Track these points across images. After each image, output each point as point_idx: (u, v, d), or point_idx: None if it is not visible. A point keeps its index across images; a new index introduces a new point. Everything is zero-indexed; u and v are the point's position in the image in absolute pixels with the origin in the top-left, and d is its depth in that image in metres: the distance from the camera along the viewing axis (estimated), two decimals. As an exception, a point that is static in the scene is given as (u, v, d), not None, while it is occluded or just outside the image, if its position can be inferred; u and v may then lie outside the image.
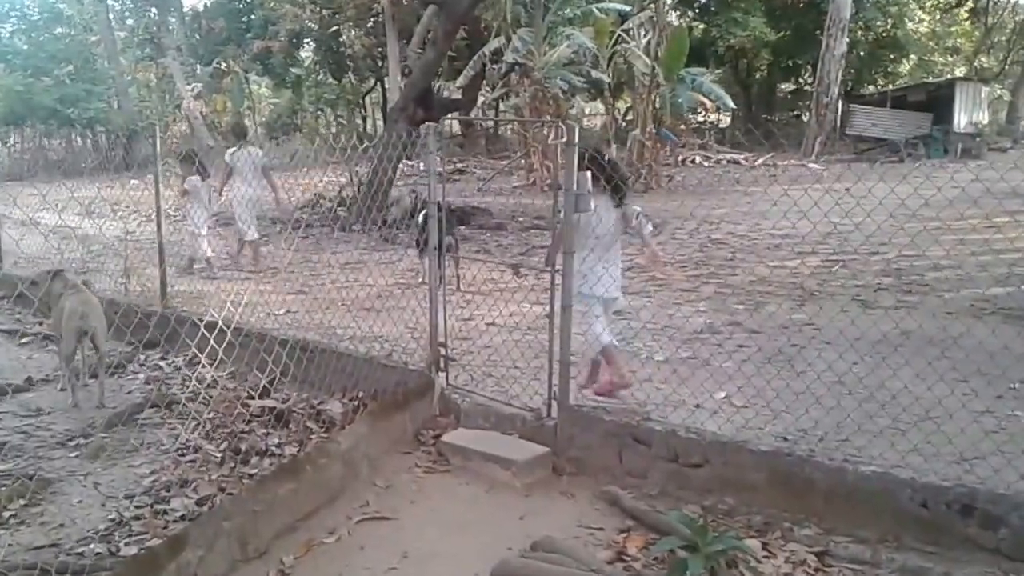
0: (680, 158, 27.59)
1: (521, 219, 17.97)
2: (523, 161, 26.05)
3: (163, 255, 9.36)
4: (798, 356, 7.36)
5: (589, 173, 5.68)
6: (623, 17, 26.73)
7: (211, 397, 6.56)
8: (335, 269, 12.21)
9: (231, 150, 13.09)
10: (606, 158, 6.14)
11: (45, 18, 38.33)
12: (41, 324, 9.00)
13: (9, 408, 6.78)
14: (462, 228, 15.53)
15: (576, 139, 5.46)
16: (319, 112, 46.58)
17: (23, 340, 8.89)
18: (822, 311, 8.58)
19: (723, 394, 6.34)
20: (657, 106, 23.42)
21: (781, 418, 5.73)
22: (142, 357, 8.18)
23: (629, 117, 28.61)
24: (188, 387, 7.15)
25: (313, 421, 6.20)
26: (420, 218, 9.97)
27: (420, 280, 10.81)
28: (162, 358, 8.18)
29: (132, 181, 15.15)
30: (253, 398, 6.62)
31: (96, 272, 11.01)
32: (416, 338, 7.27)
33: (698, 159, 31.90)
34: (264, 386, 6.79)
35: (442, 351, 6.51)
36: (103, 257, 12.92)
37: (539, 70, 22.88)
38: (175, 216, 13.91)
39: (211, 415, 6.23)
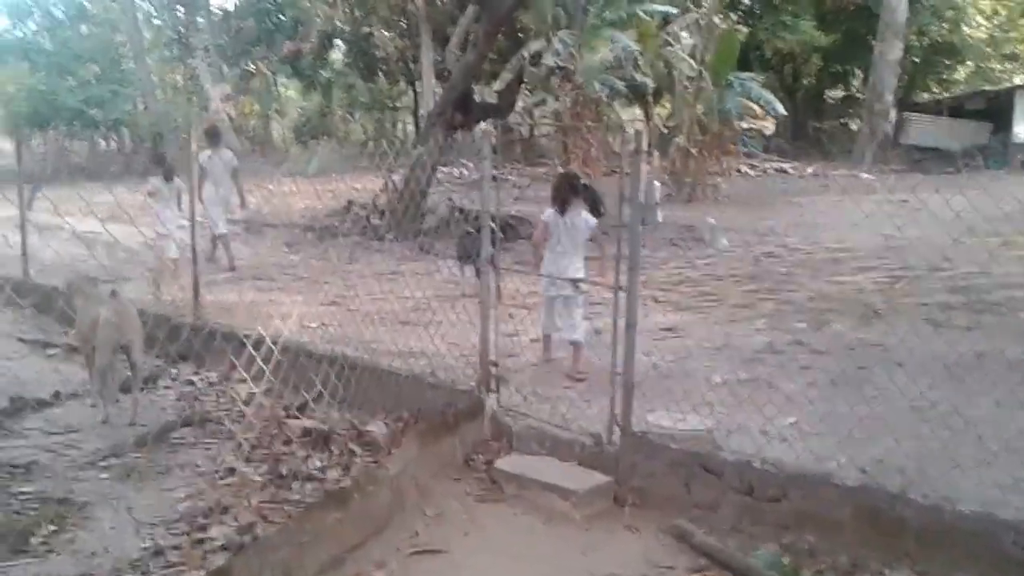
0: (725, 167, 27.27)
1: (562, 229, 17.75)
2: (562, 168, 25.79)
3: (196, 263, 9.27)
4: (867, 379, 7.12)
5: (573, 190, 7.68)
6: (666, 19, 26.49)
7: (248, 416, 6.41)
8: (369, 280, 12.07)
9: (205, 153, 13.45)
10: (581, 181, 8.03)
11: (70, 16, 38.47)
12: (67, 334, 8.89)
13: (36, 424, 6.65)
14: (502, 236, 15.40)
15: (644, 146, 5.28)
16: (348, 116, 46.63)
17: (50, 352, 8.80)
18: (889, 330, 8.35)
19: (792, 420, 6.13)
20: (702, 112, 23.15)
21: (856, 447, 5.50)
22: (173, 371, 8.07)
23: (670, 123, 28.37)
24: (224, 404, 7.03)
25: (356, 443, 6.02)
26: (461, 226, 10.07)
27: (460, 292, 10.67)
28: (195, 373, 8.04)
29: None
30: (292, 417, 6.47)
31: (123, 280, 10.95)
32: (459, 355, 7.12)
33: (744, 168, 31.59)
34: (303, 405, 6.64)
35: (493, 370, 6.33)
36: (129, 264, 12.89)
37: (580, 74, 22.68)
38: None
39: (249, 435, 6.07)
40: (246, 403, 6.74)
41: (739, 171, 31.09)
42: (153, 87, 40.05)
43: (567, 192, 7.64)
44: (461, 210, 16.11)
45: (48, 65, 34.54)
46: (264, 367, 5.38)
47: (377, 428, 6.23)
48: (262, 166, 30.44)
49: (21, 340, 9.12)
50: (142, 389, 7.15)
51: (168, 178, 12.64)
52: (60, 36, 37.09)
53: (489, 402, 6.23)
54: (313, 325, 9.19)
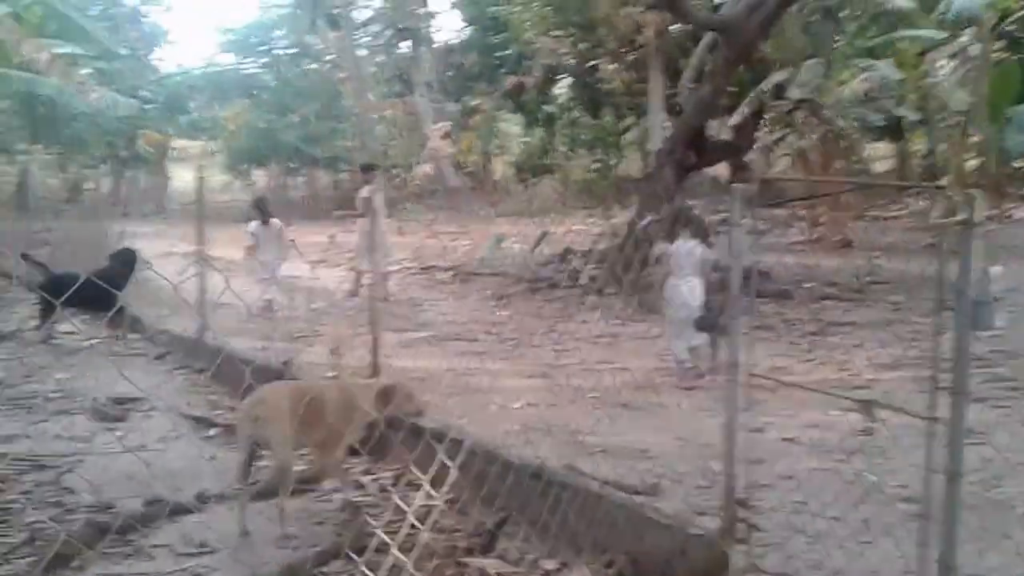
0: (999, 211, 24.69)
1: (808, 285, 16.01)
2: (803, 213, 23.94)
3: (378, 326, 8.23)
4: None
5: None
6: (924, 48, 24.29)
7: (419, 545, 5.11)
8: (583, 345, 10.84)
9: (368, 189, 14.31)
10: (693, 213, 9.76)
11: (293, 53, 39.31)
12: (232, 410, 7.89)
13: (169, 538, 5.55)
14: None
15: (975, 216, 3.69)
16: (571, 152, 45.73)
17: (210, 432, 7.80)
18: None
19: None
20: (975, 149, 20.91)
21: None
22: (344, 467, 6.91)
23: (925, 162, 26.20)
24: (394, 521, 5.79)
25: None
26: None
27: (690, 366, 9.30)
28: (366, 471, 6.84)
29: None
30: (471, 551, 5.17)
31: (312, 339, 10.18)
32: (688, 458, 5.78)
33: (1015, 214, 28.70)
34: (488, 532, 5.34)
35: (741, 511, 4.69)
36: (326, 317, 12.17)
37: (830, 107, 20.86)
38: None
39: (416, 576, 4.78)
40: (420, 521, 5.46)
41: (1009, 217, 28.33)
42: (373, 123, 40.42)
43: (672, 224, 9.23)
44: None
45: (269, 102, 35.31)
46: (451, 465, 4.20)
47: (580, 576, 4.86)
48: (481, 207, 30.00)
49: (183, 415, 8.19)
50: (301, 490, 6.02)
51: (266, 221, 13.17)
52: (282, 73, 37.96)
53: (735, 558, 4.63)
54: (516, 405, 8.00)
